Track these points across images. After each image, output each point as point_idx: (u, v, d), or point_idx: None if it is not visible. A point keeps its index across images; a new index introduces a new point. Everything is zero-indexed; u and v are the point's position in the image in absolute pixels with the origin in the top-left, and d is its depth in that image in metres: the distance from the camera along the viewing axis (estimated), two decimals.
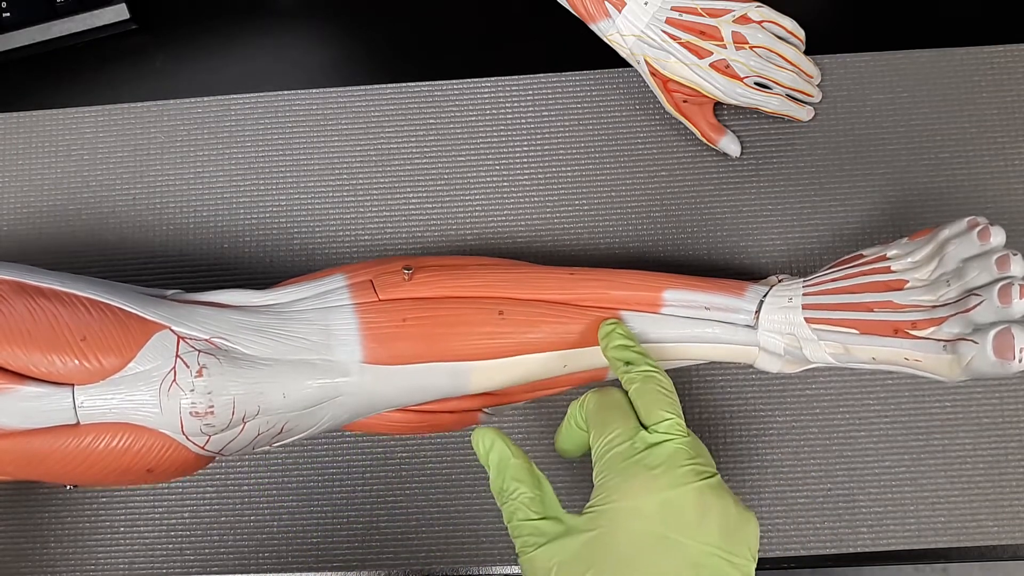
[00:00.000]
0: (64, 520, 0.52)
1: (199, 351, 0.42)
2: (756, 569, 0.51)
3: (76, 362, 0.41)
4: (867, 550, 0.50)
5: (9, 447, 0.42)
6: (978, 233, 0.42)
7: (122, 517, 0.52)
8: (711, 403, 0.52)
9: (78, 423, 0.41)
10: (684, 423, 0.39)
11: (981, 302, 0.40)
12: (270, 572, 0.51)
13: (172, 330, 0.43)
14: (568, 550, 0.37)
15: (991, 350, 0.39)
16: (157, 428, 0.42)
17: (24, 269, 0.44)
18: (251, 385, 0.42)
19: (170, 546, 0.51)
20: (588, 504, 0.38)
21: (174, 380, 0.41)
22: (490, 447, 0.40)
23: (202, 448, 0.43)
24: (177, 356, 0.42)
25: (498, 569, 0.51)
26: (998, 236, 0.42)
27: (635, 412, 0.40)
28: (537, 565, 0.37)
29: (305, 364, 0.43)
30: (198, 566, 0.51)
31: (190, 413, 0.42)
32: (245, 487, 0.52)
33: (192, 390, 0.41)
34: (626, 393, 0.41)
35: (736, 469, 0.51)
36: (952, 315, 0.41)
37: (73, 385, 0.41)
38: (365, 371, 0.44)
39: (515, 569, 0.51)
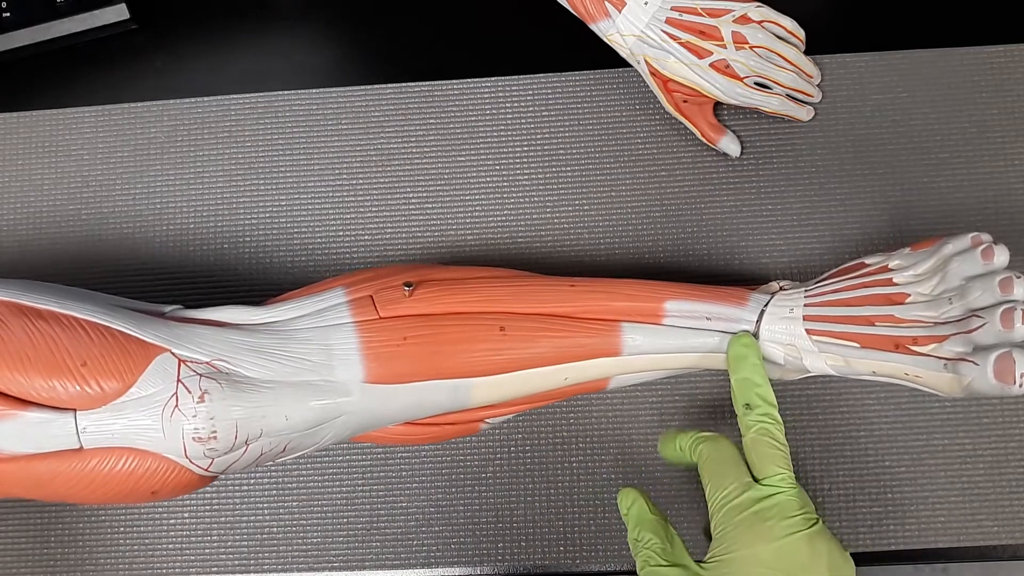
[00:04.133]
0: (64, 520, 0.52)
1: (200, 375, 0.42)
2: None
3: (77, 388, 0.41)
4: (867, 550, 0.50)
5: (14, 471, 0.42)
6: (982, 252, 0.42)
7: (122, 517, 0.52)
8: (711, 404, 0.52)
9: (81, 447, 0.41)
10: (793, 473, 0.42)
11: (983, 324, 0.40)
12: (270, 572, 0.51)
13: (173, 353, 0.43)
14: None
15: (992, 373, 0.39)
16: (160, 452, 0.42)
17: (21, 286, 0.44)
18: (253, 409, 0.42)
19: (170, 546, 0.51)
20: (708, 554, 0.41)
21: (176, 406, 0.41)
22: (631, 504, 0.44)
23: (205, 470, 0.43)
24: (178, 381, 0.42)
25: (498, 569, 0.51)
26: (1001, 256, 0.41)
27: (746, 461, 0.42)
28: None
29: (307, 385, 0.43)
30: (198, 566, 0.51)
31: (193, 438, 0.41)
32: (245, 487, 0.52)
33: (195, 416, 0.41)
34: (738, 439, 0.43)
35: None
36: (954, 334, 0.41)
37: (75, 410, 0.41)
38: (367, 390, 0.44)
39: (514, 570, 0.51)
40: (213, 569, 0.51)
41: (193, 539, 0.51)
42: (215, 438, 0.42)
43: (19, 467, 0.42)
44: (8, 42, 0.56)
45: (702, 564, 0.41)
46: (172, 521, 0.52)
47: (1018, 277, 0.41)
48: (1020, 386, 0.39)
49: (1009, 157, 0.53)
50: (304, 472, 0.52)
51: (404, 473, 0.52)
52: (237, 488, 0.52)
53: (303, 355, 0.44)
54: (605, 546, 0.51)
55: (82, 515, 0.52)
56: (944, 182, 0.53)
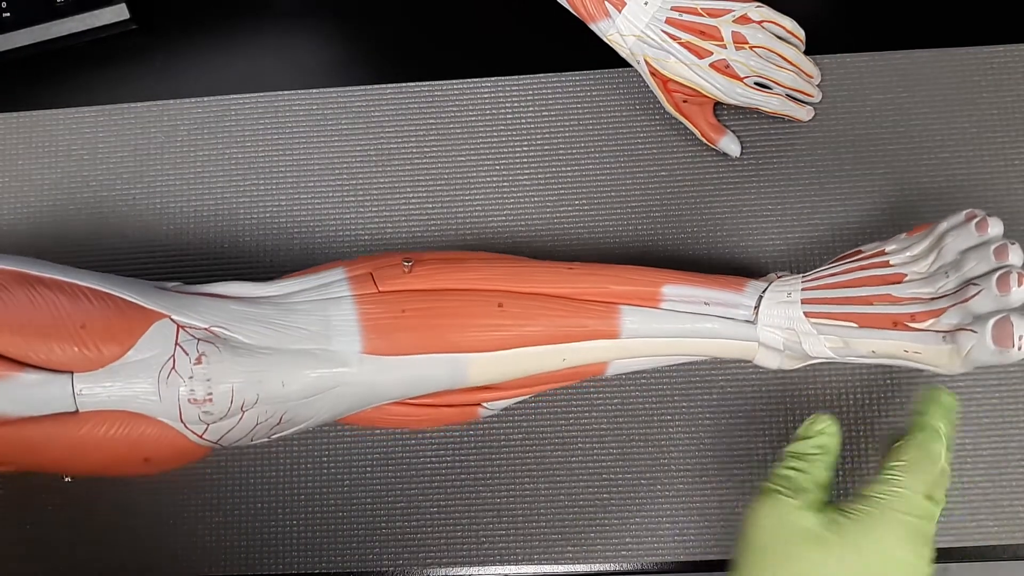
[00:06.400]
0: (66, 520, 0.52)
1: (198, 339, 0.42)
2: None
3: (75, 349, 0.41)
4: None
5: (8, 435, 0.42)
6: (976, 224, 0.42)
7: (123, 516, 0.52)
8: (711, 403, 0.52)
9: (77, 411, 0.41)
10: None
11: (980, 291, 0.40)
12: (270, 572, 0.51)
13: (172, 319, 0.43)
14: (824, 529, 0.39)
15: (990, 338, 0.39)
16: (156, 416, 0.42)
17: (26, 260, 0.44)
18: (250, 373, 0.42)
19: (170, 546, 0.51)
20: (844, 507, 0.40)
21: (173, 367, 0.42)
22: (832, 435, 0.42)
23: (200, 436, 0.43)
24: (176, 344, 0.42)
25: (498, 569, 0.51)
26: (996, 227, 0.42)
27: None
28: (793, 516, 0.39)
29: (304, 354, 0.44)
30: (198, 566, 0.51)
31: (188, 400, 0.42)
32: (246, 487, 0.52)
33: (191, 377, 0.41)
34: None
35: (736, 470, 0.51)
36: (951, 306, 0.41)
37: (72, 373, 0.41)
38: (364, 362, 0.44)
39: (513, 569, 0.51)
40: (215, 570, 0.51)
41: (193, 539, 0.51)
42: (210, 400, 0.42)
43: (14, 431, 0.42)
44: (8, 42, 0.56)
45: (840, 508, 0.40)
46: (172, 521, 0.52)
47: (1013, 243, 0.41)
48: (1020, 349, 0.39)
49: (1009, 157, 0.53)
50: (304, 472, 0.52)
51: (404, 473, 0.52)
52: (237, 488, 0.52)
53: (302, 325, 0.44)
54: (605, 545, 0.51)
55: (84, 515, 0.52)
56: (944, 182, 0.53)
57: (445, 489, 0.52)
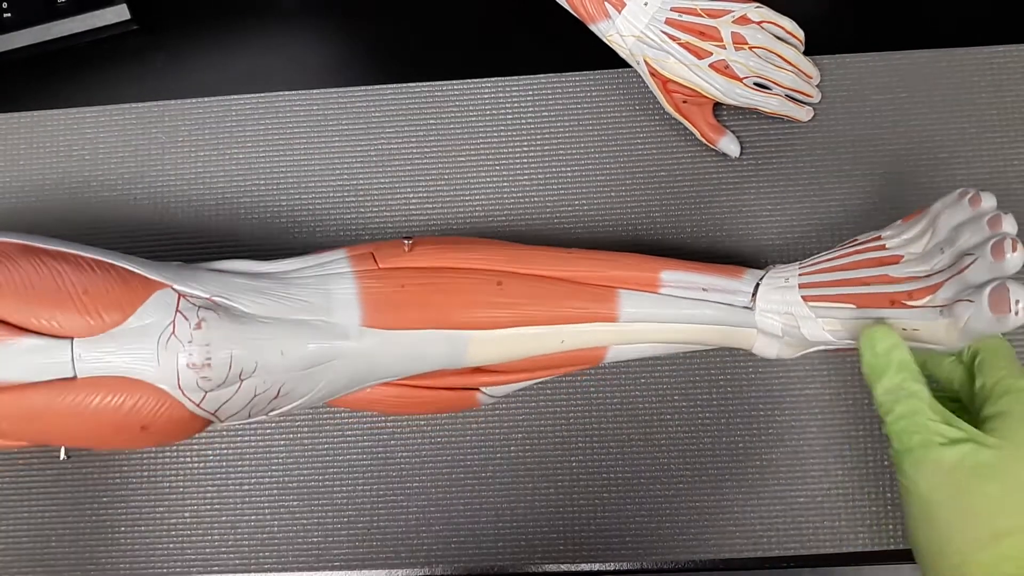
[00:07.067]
0: (66, 519, 0.52)
1: (199, 307, 0.43)
2: (753, 569, 0.51)
3: (77, 315, 0.41)
4: (867, 550, 0.50)
5: (6, 401, 0.41)
6: (969, 200, 0.42)
7: (123, 516, 0.52)
8: (711, 402, 0.52)
9: (75, 377, 0.41)
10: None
11: (975, 260, 0.40)
12: (271, 571, 0.51)
13: (174, 288, 0.43)
14: (978, 456, 0.38)
15: (987, 305, 0.38)
16: (154, 382, 0.42)
17: (30, 236, 0.45)
18: (249, 341, 0.43)
19: (171, 545, 0.52)
20: (985, 427, 0.39)
21: (173, 332, 0.42)
22: (893, 346, 0.41)
23: (198, 405, 0.43)
24: (177, 311, 0.42)
25: (498, 569, 0.51)
26: (988, 200, 0.41)
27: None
28: (944, 462, 0.38)
29: (304, 325, 0.44)
30: (199, 565, 0.51)
31: (187, 365, 0.42)
32: (246, 486, 0.52)
33: (190, 341, 0.42)
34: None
35: (736, 468, 0.51)
36: (946, 279, 0.41)
37: (72, 338, 0.41)
38: (363, 335, 0.44)
39: (514, 569, 0.51)
40: (214, 568, 0.51)
41: (194, 538, 0.52)
42: (209, 366, 0.42)
43: (11, 397, 0.41)
44: (8, 42, 0.56)
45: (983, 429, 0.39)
46: (173, 520, 0.52)
47: (1006, 213, 0.40)
48: (1016, 314, 0.38)
49: (1008, 157, 0.54)
50: (305, 471, 0.52)
51: (404, 473, 0.52)
52: (238, 487, 0.52)
53: (303, 297, 0.45)
54: (605, 545, 0.51)
55: (84, 514, 0.52)
56: (943, 182, 0.53)
57: (445, 489, 0.52)
